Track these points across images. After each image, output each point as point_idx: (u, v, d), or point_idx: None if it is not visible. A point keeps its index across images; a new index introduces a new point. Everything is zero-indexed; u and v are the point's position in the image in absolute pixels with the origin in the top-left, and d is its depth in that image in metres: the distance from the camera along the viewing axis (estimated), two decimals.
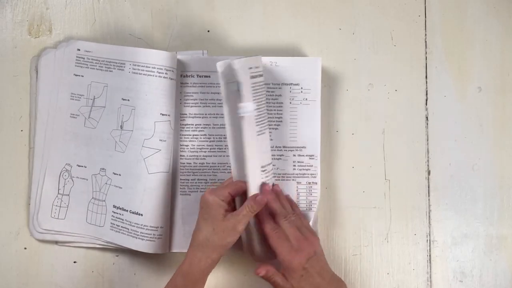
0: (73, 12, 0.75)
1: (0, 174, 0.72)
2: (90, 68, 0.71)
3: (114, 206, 0.70)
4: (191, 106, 0.72)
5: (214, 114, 0.71)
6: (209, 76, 0.71)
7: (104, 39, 0.74)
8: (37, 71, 0.72)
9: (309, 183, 0.71)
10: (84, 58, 0.71)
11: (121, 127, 0.70)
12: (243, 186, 0.63)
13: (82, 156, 0.71)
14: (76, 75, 0.71)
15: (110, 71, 0.70)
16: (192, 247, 0.62)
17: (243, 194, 0.63)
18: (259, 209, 0.61)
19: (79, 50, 0.71)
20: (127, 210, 0.69)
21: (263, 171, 0.64)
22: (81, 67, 0.71)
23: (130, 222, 0.69)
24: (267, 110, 0.66)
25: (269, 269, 0.61)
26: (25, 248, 0.72)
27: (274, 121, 0.71)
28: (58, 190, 0.71)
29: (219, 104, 0.71)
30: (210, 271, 0.62)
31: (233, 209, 0.64)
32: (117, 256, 0.72)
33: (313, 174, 0.71)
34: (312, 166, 0.71)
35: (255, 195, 0.62)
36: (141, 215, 0.68)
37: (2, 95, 0.73)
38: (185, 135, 0.72)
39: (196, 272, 0.61)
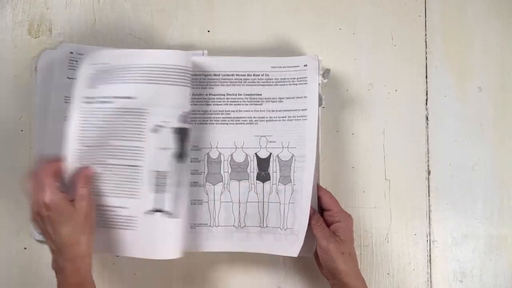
0: (73, 12, 0.75)
1: (0, 174, 0.72)
2: None
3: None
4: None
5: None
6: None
7: (104, 39, 0.74)
8: (36, 72, 0.72)
9: None
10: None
11: None
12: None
13: None
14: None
15: None
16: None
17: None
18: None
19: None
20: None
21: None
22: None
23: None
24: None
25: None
26: (25, 248, 0.72)
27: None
28: None
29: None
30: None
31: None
32: (117, 256, 0.72)
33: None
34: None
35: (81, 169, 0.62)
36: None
37: (2, 95, 0.73)
38: None
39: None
